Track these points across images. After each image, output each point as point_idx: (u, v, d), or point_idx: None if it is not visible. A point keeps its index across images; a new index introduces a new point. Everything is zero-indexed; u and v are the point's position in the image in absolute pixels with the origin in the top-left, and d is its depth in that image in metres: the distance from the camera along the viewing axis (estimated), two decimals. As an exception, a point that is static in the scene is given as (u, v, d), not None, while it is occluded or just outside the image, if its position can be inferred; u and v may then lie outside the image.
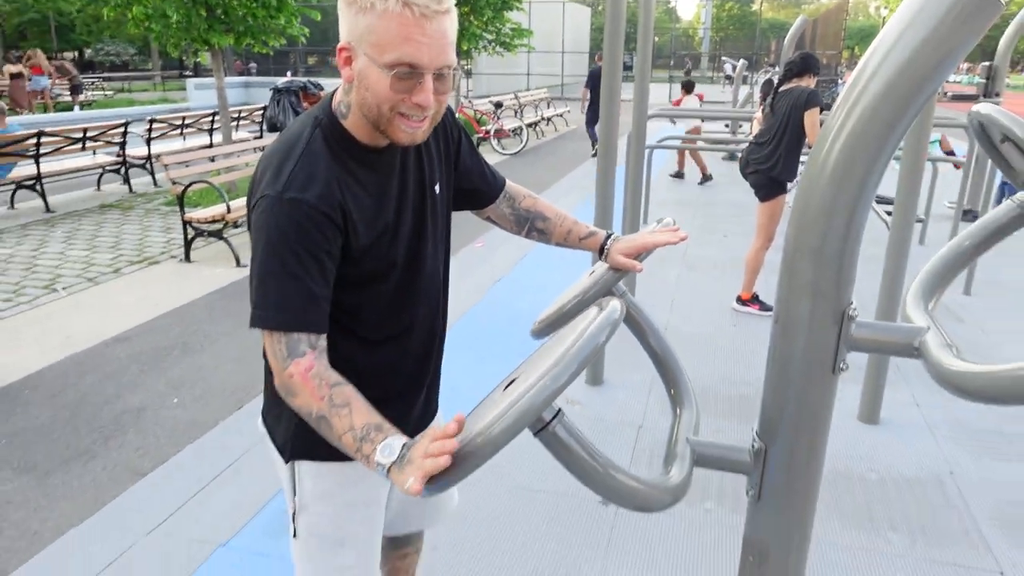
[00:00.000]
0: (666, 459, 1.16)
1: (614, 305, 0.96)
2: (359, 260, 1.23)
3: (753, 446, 1.08)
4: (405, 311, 1.35)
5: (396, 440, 1.01)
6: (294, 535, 1.41)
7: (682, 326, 4.42)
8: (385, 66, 1.09)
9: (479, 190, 1.50)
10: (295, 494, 1.38)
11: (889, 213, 3.09)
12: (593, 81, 11.00)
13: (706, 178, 9.37)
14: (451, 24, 1.12)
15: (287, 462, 1.37)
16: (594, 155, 10.65)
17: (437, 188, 1.38)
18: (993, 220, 1.21)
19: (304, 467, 1.36)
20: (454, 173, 1.44)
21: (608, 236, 1.46)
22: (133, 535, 2.49)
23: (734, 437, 1.04)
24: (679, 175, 9.77)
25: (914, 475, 2.86)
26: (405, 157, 1.30)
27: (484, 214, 1.55)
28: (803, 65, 4.31)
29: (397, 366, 1.38)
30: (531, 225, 1.54)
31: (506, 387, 0.99)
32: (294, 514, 1.40)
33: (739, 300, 4.68)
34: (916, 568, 2.35)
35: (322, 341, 1.16)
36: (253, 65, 28.14)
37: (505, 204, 1.53)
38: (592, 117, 11.34)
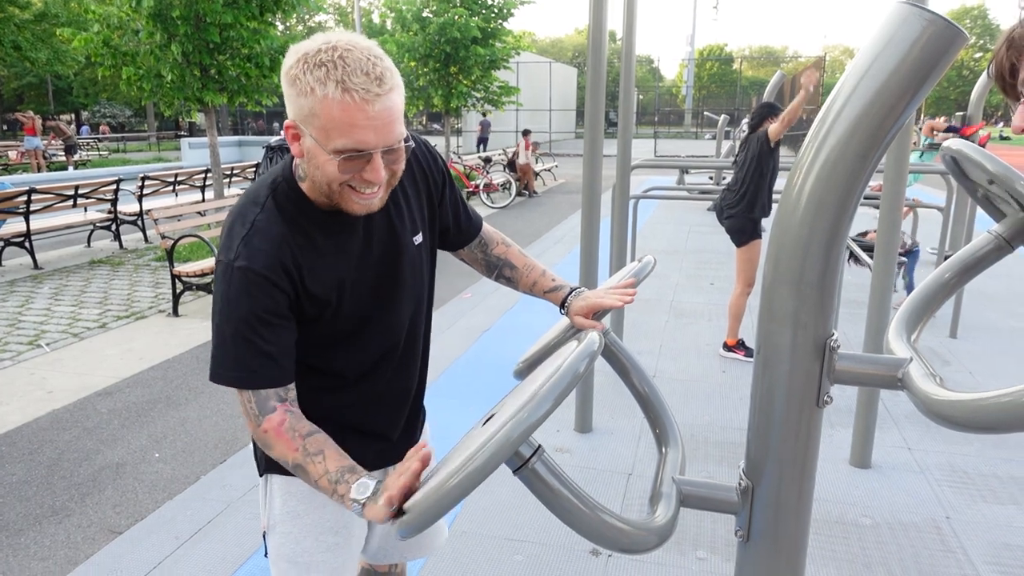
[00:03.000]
0: (652, 499, 1.13)
1: (592, 337, 0.95)
2: (317, 318, 1.26)
3: (740, 484, 1.06)
4: (377, 362, 1.38)
5: (369, 479, 1.08)
6: (265, 554, 1.45)
7: (671, 372, 4.40)
8: (333, 152, 1.08)
9: (453, 231, 1.49)
10: (266, 511, 1.43)
11: (872, 256, 3.12)
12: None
13: (532, 193, 13.90)
14: (396, 99, 1.10)
15: (261, 475, 1.42)
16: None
17: (418, 238, 1.37)
18: (971, 252, 1.21)
19: (276, 482, 1.40)
20: (436, 212, 1.44)
21: (571, 292, 1.44)
22: (107, 596, 2.39)
23: (725, 483, 1.02)
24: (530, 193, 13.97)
25: (909, 520, 2.80)
26: (370, 216, 1.26)
27: (458, 254, 1.56)
28: (763, 114, 4.47)
29: (372, 406, 1.41)
30: (499, 272, 1.55)
31: (484, 423, 0.97)
32: (264, 534, 1.44)
33: (725, 346, 4.68)
34: (917, 617, 2.28)
35: (291, 392, 1.21)
36: (276, 124, 28.64)
37: (478, 249, 1.54)
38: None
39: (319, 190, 1.17)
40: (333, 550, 1.41)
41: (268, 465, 1.39)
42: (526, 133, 14.48)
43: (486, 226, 1.56)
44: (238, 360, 1.17)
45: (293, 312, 1.22)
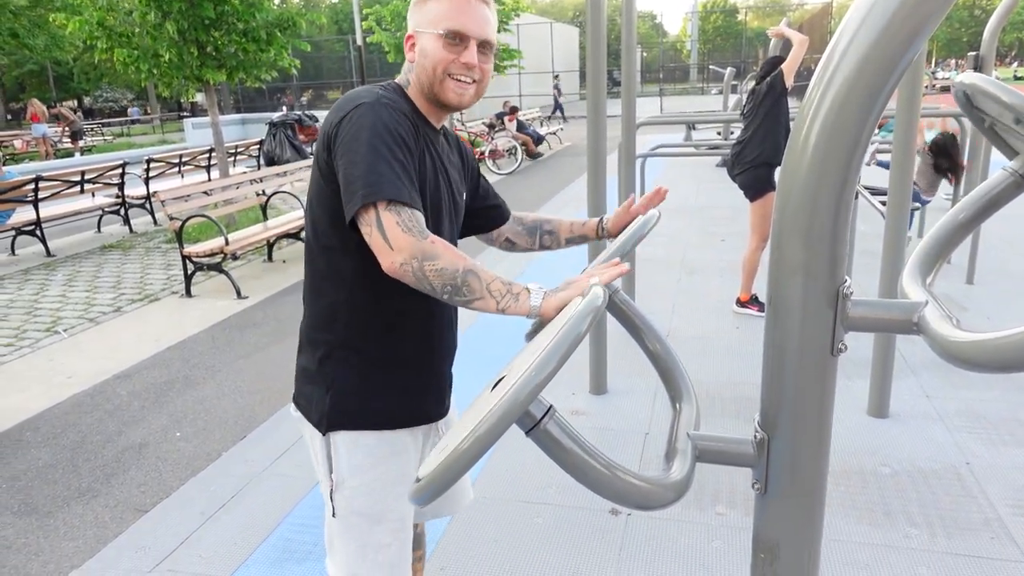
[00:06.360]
0: (667, 455, 1.12)
1: (596, 292, 0.94)
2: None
3: (756, 437, 1.05)
4: None
5: (535, 284, 1.20)
6: (333, 514, 1.46)
7: (685, 330, 4.39)
8: (440, 33, 1.32)
9: (496, 208, 1.69)
10: (331, 470, 1.44)
11: (884, 203, 3.07)
12: None
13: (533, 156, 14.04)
14: (492, 15, 1.38)
15: (324, 434, 1.42)
16: None
17: (463, 197, 1.54)
18: (987, 191, 1.18)
19: (340, 439, 1.42)
20: (476, 195, 1.62)
21: (600, 220, 1.67)
22: (136, 573, 2.44)
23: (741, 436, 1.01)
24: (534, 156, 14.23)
25: (929, 467, 2.80)
26: (445, 152, 1.47)
27: (501, 236, 1.70)
28: (773, 63, 4.39)
29: (427, 332, 1.47)
30: (541, 231, 1.72)
31: (493, 387, 0.97)
32: (331, 492, 1.45)
33: (738, 302, 4.66)
34: (938, 561, 2.29)
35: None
36: (304, 99, 28.93)
37: (516, 223, 1.73)
38: None
39: (423, 84, 1.36)
40: (401, 499, 1.45)
41: (331, 423, 1.41)
42: (513, 111, 14.62)
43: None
44: (398, 178, 1.21)
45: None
